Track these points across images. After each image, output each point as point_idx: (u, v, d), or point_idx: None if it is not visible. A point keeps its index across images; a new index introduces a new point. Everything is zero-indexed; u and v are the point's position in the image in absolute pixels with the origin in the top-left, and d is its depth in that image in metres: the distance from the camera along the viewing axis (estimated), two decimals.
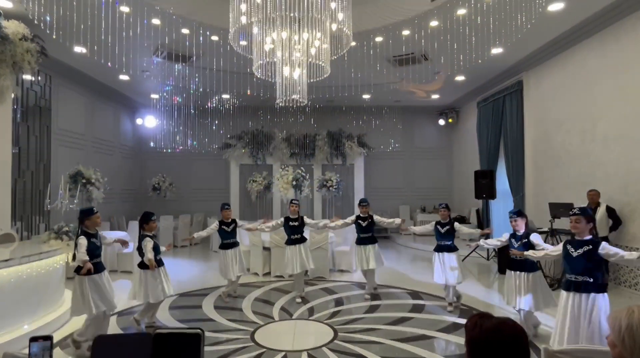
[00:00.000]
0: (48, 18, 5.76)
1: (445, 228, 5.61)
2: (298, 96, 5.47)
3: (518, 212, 4.54)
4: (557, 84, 7.97)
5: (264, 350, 4.19)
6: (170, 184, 12.62)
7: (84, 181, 7.74)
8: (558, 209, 6.83)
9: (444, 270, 5.46)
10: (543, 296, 4.34)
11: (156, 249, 4.72)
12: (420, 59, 8.54)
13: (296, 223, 6.18)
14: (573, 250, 3.43)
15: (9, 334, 4.12)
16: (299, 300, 5.94)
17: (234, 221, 6.24)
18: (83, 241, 4.08)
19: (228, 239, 6.11)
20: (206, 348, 4.24)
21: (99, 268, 4.22)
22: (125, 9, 6.05)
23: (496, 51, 7.90)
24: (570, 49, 7.52)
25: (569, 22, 6.91)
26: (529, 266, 4.33)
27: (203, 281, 7.22)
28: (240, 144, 12.08)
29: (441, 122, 13.41)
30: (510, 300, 4.43)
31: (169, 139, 12.27)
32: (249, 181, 11.58)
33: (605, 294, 3.32)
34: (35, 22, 5.46)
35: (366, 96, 11.39)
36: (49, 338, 0.84)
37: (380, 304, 5.83)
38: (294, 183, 9.76)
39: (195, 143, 12.43)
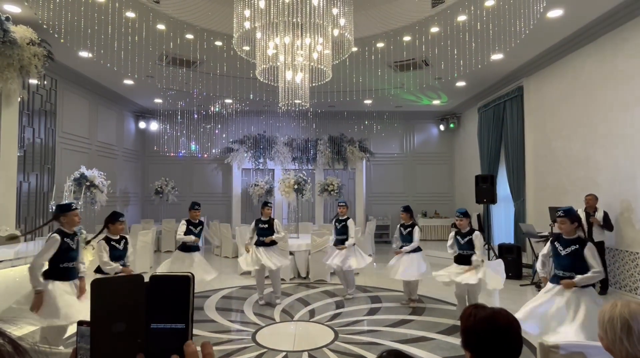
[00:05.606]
0: (56, 23, 5.87)
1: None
2: (300, 100, 5.55)
3: (464, 212, 5.09)
4: (557, 89, 8.04)
5: (265, 350, 4.23)
6: (173, 188, 12.68)
7: (87, 183, 7.82)
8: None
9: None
10: None
11: (115, 256, 4.05)
12: (421, 64, 8.63)
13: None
14: (562, 248, 3.59)
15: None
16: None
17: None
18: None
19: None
20: None
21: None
22: (130, 14, 6.16)
23: (496, 57, 7.98)
24: (570, 55, 7.60)
25: (568, 28, 6.99)
26: None
27: (205, 283, 7.22)
28: (243, 148, 12.17)
29: (442, 127, 13.49)
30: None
31: (171, 144, 12.36)
32: (250, 185, 11.65)
33: (591, 288, 3.50)
34: (45, 26, 5.57)
35: (367, 101, 11.48)
36: None
37: (381, 307, 5.86)
38: (296, 186, 9.81)
39: (196, 146, 12.51)
